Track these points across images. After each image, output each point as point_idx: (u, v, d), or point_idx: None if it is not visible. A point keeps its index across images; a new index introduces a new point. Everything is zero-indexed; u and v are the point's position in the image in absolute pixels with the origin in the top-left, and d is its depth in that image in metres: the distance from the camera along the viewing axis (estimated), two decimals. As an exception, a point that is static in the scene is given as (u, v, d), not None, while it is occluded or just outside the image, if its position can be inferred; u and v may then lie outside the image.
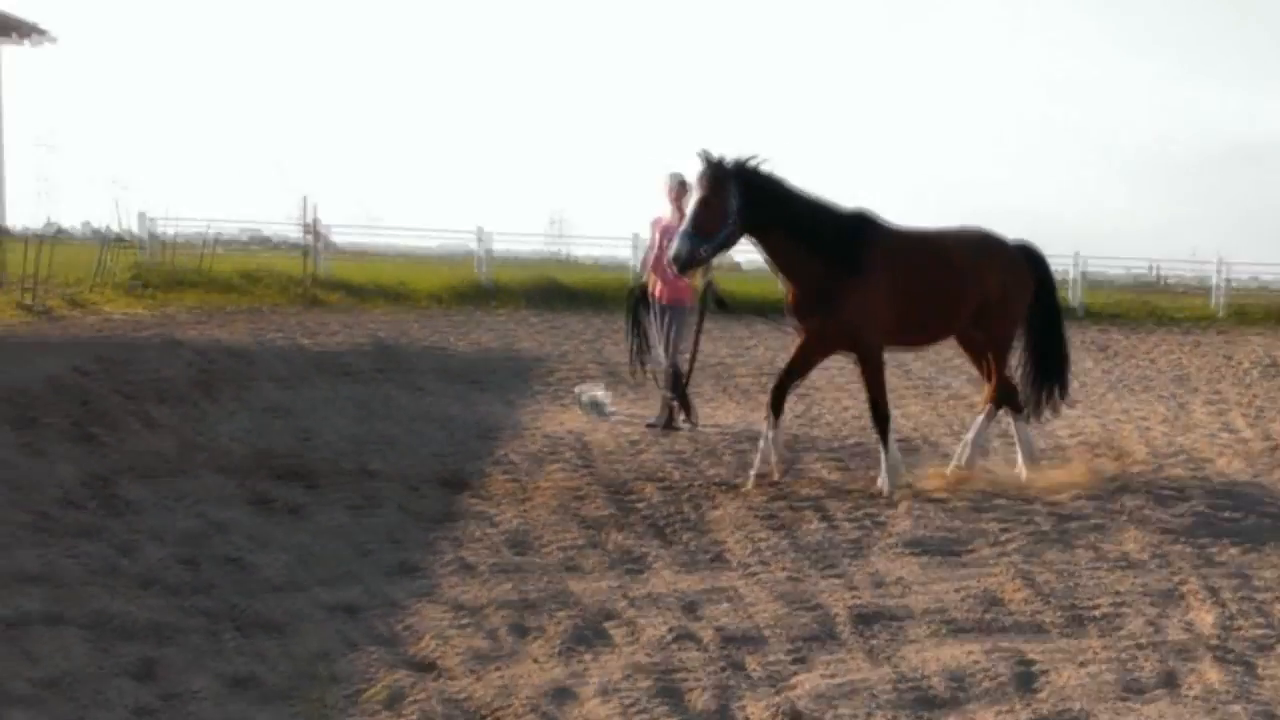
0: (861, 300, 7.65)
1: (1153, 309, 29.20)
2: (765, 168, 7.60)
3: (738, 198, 7.41)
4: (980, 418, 8.44)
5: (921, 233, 8.33)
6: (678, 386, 10.31)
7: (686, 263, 7.60)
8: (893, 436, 7.95)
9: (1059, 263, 35.67)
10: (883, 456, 7.85)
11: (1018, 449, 8.42)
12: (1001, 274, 8.19)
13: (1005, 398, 8.45)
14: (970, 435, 8.40)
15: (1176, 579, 5.78)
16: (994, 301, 8.15)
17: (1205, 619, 5.20)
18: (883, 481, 7.73)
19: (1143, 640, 4.91)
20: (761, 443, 7.93)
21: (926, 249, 8.13)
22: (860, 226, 7.79)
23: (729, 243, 7.72)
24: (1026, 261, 8.41)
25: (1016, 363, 8.56)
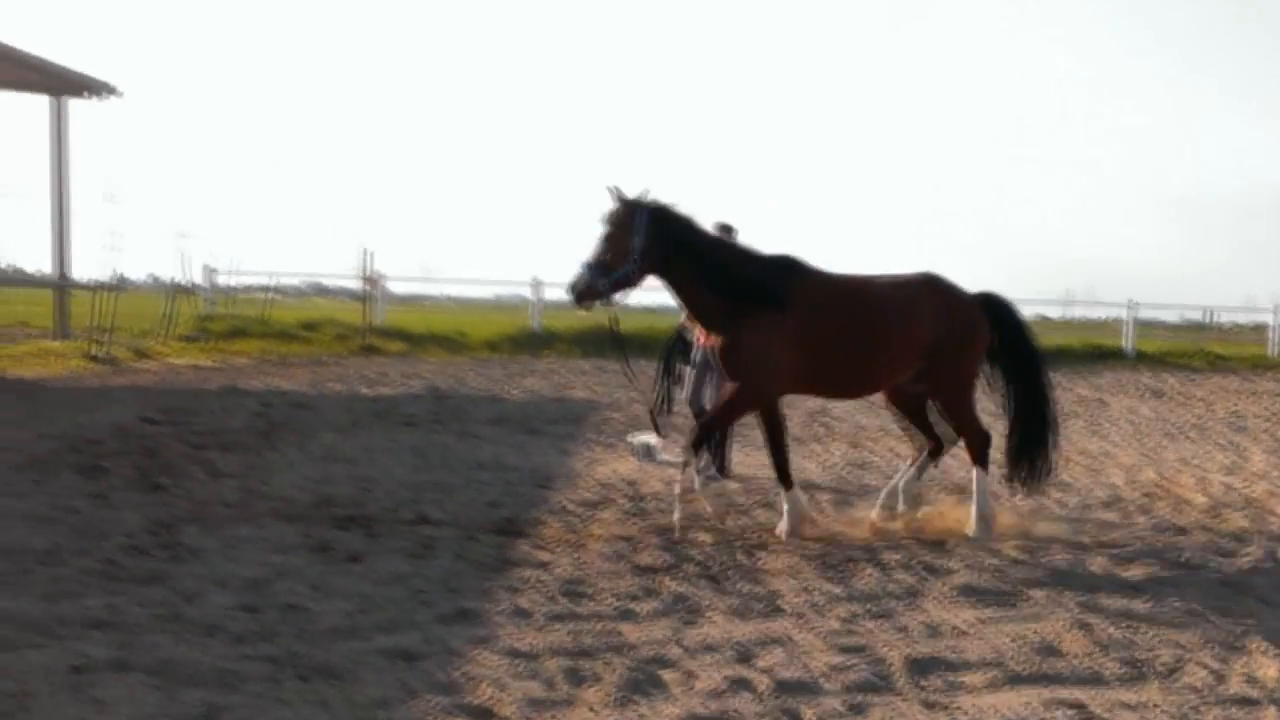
0: (759, 342, 7.55)
1: (1208, 354, 28.84)
2: (680, 209, 7.63)
3: (643, 237, 7.44)
4: (974, 474, 8.02)
5: (849, 278, 8.02)
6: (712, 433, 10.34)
7: (581, 294, 7.51)
8: (698, 464, 7.83)
9: (1112, 310, 35.52)
10: (683, 472, 7.80)
11: (899, 492, 8.20)
12: (940, 323, 7.76)
13: (935, 452, 8.32)
14: (974, 502, 7.92)
15: (1238, 629, 5.69)
16: (930, 353, 7.76)
17: (1269, 671, 5.11)
18: (676, 516, 7.65)
19: (1205, 692, 4.85)
20: (787, 505, 7.76)
21: (848, 295, 7.83)
22: (775, 270, 7.69)
23: (629, 281, 7.63)
24: (981, 310, 7.98)
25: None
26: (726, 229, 10.35)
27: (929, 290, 7.90)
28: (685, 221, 7.64)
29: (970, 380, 8.09)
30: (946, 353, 7.81)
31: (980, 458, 8.01)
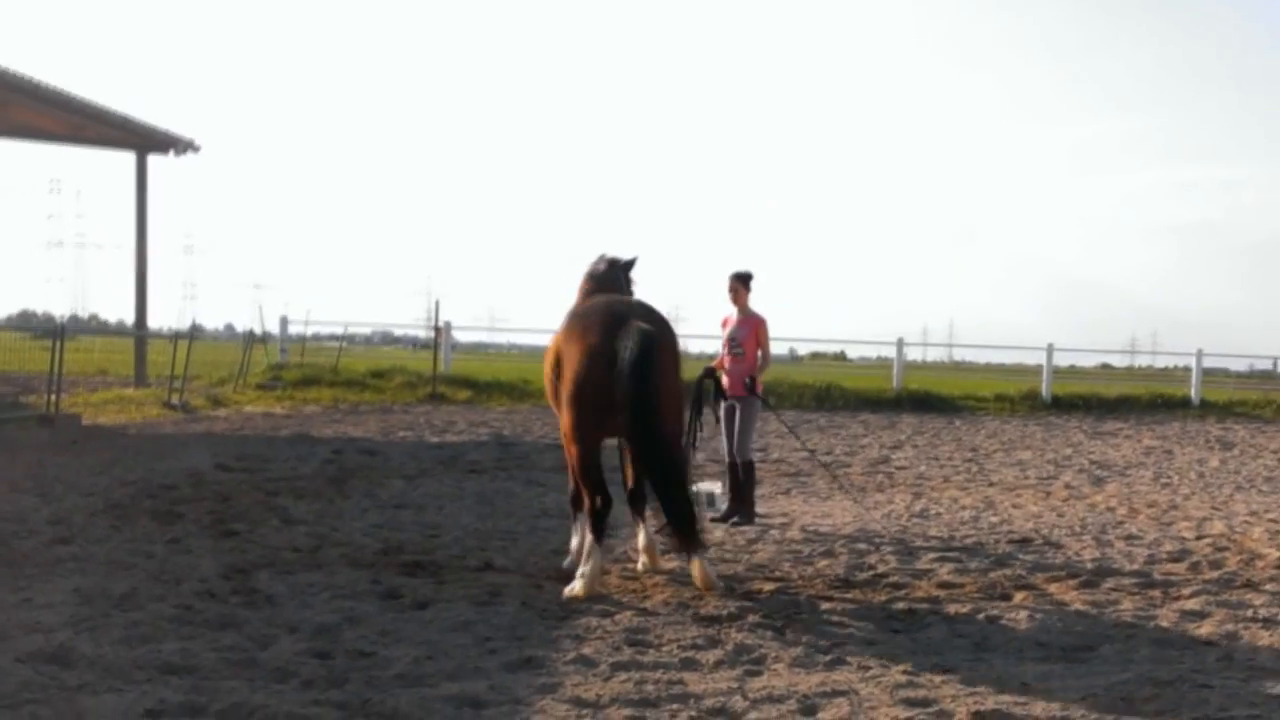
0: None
1: (1277, 404, 28.30)
2: (605, 263, 8.34)
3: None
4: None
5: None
6: (735, 480, 10.40)
7: None
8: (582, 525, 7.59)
9: (1178, 359, 34.97)
10: (574, 542, 7.72)
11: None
12: (573, 345, 7.23)
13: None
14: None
15: (1314, 687, 5.57)
16: (563, 378, 7.28)
17: (1345, 729, 5.00)
18: (574, 587, 7.15)
19: (1278, 750, 4.75)
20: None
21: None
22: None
23: None
24: (607, 340, 7.04)
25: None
26: (743, 277, 10.56)
27: (583, 308, 7.51)
28: (601, 274, 8.27)
29: (568, 421, 7.32)
30: (564, 379, 7.28)
31: (591, 525, 7.33)
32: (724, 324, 10.62)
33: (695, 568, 7.30)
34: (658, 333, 7.16)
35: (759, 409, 10.57)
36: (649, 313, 7.44)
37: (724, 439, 10.54)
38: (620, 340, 6.99)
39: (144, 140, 23.37)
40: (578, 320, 7.46)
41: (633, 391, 6.93)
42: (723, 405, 10.47)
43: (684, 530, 7.05)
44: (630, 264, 8.54)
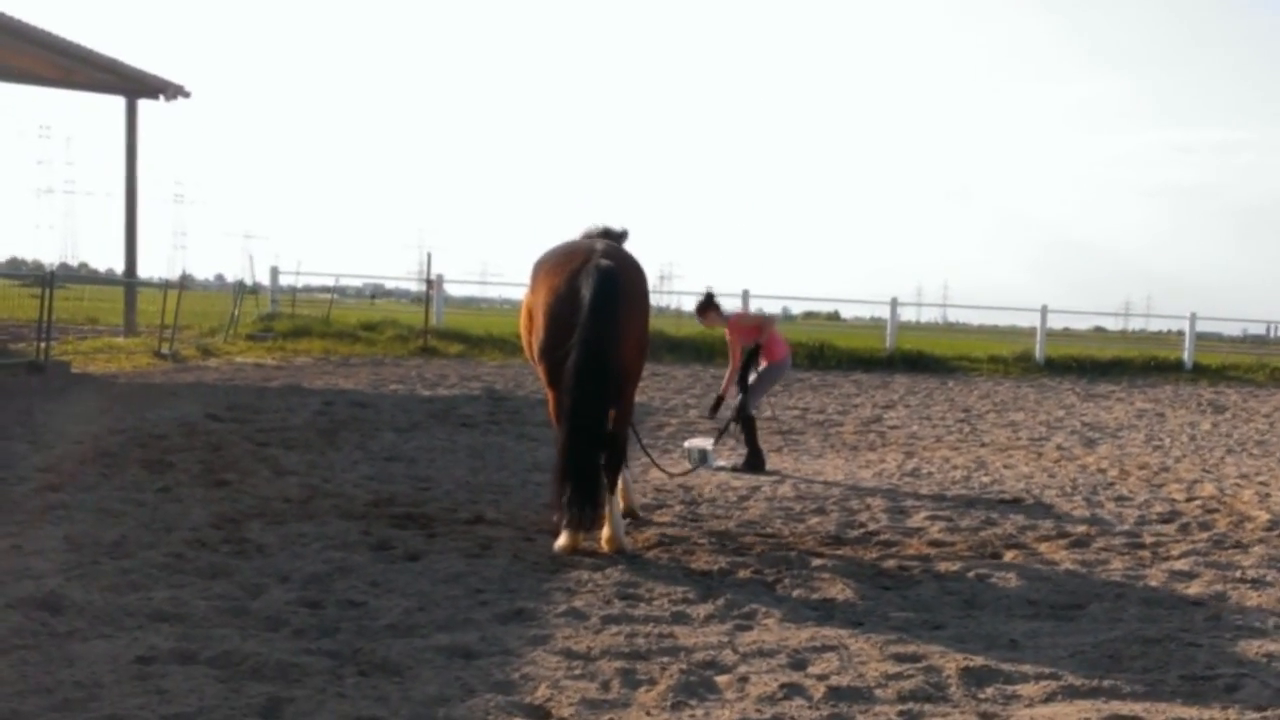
0: None
1: (1270, 368, 28.37)
2: (616, 229, 7.80)
3: None
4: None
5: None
6: (750, 432, 10.75)
7: None
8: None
9: (1172, 322, 35.03)
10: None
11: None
12: (538, 292, 7.04)
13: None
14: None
15: (1301, 647, 5.59)
16: (534, 328, 7.08)
17: (1331, 690, 5.02)
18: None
19: (1267, 710, 4.77)
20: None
21: None
22: None
23: None
24: (571, 270, 6.85)
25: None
26: (700, 309, 10.87)
27: (535, 265, 7.28)
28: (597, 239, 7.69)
29: (543, 369, 7.06)
30: (539, 323, 7.03)
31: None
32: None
33: (606, 526, 7.01)
34: (620, 271, 6.84)
35: (778, 375, 11.06)
36: (615, 253, 7.10)
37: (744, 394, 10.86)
38: (581, 278, 6.74)
39: (134, 85, 23.10)
40: (539, 267, 7.22)
41: (583, 335, 6.58)
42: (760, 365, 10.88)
43: (582, 511, 6.64)
44: (623, 235, 7.95)
